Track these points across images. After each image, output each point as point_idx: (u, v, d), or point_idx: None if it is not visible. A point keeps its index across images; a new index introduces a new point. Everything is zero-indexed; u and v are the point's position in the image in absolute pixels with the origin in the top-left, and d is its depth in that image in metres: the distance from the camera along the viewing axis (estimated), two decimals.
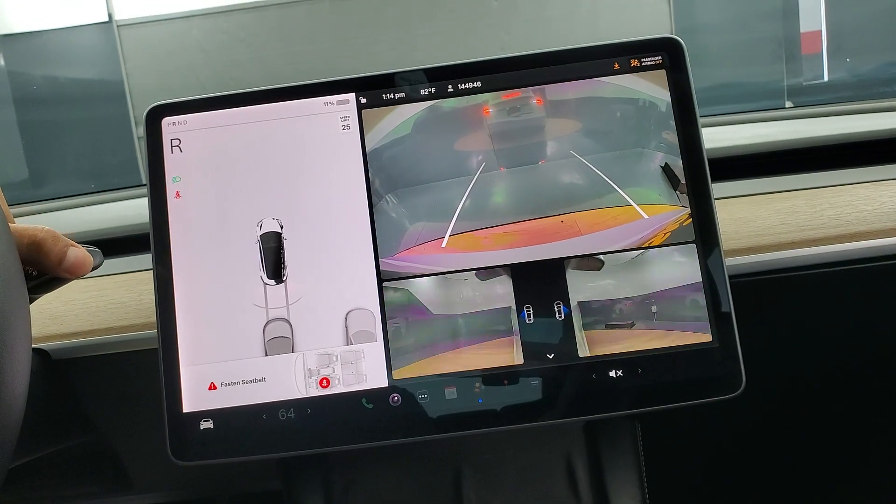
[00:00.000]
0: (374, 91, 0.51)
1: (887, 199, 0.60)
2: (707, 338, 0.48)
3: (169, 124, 0.51)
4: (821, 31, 2.65)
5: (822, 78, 2.66)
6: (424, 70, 0.51)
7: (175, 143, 0.51)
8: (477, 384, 0.48)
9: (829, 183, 0.65)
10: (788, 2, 2.67)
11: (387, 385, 0.48)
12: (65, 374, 0.60)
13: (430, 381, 0.48)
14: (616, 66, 0.51)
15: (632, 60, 0.51)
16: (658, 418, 0.63)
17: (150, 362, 0.51)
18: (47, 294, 0.51)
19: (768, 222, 0.60)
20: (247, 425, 0.48)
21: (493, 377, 0.48)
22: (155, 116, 0.51)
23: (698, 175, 0.50)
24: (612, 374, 0.48)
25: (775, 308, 0.59)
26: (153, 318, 0.50)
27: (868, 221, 0.58)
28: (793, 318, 0.62)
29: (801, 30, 2.66)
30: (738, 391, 0.48)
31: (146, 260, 0.68)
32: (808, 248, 0.57)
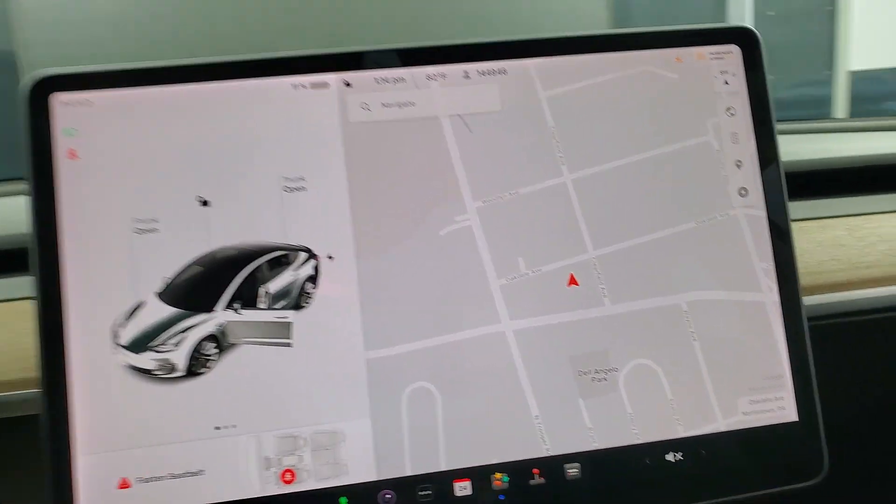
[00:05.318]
0: (363, 72, 0.38)
1: None
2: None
3: (63, 105, 0.36)
4: None
5: None
6: (423, 48, 0.38)
7: (72, 131, 0.36)
8: (497, 475, 0.36)
9: (860, 210, 0.57)
10: (718, 18, 2.71)
11: (376, 478, 0.35)
12: None
13: (435, 472, 0.36)
14: (678, 59, 0.40)
15: (697, 53, 0.40)
16: None
17: (30, 438, 0.36)
18: None
19: (816, 257, 0.51)
20: None
21: (519, 466, 0.36)
22: (41, 92, 0.36)
23: (775, 198, 0.39)
24: (671, 457, 0.37)
25: (844, 362, 0.49)
26: (35, 374, 0.35)
27: None
28: (870, 375, 0.52)
29: None
30: (821, 476, 0.39)
31: (26, 285, 0.50)
32: (870, 289, 0.48)
